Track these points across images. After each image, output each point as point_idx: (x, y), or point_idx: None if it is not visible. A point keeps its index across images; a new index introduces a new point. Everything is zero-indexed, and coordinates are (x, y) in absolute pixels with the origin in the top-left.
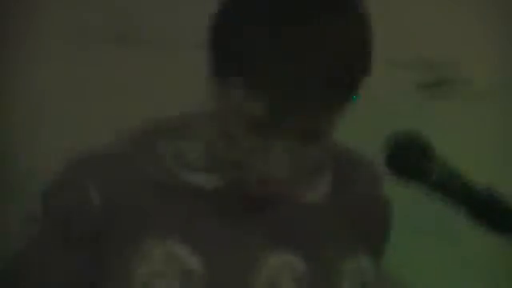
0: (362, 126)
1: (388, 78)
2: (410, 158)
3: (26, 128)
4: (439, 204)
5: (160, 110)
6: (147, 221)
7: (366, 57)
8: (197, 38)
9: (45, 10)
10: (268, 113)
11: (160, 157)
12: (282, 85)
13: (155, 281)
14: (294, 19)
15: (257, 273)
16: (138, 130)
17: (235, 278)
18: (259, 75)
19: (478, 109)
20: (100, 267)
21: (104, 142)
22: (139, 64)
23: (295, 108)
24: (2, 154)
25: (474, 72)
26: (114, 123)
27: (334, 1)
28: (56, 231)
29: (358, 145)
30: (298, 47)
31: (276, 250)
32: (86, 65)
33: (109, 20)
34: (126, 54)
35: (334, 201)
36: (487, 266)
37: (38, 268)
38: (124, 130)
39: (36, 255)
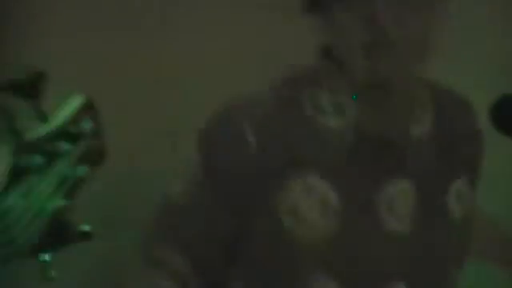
0: None
1: None
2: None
3: None
4: None
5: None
6: (292, 160)
7: None
8: None
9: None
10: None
11: (301, 106)
12: None
13: (298, 211)
14: None
15: (378, 200)
16: (280, 81)
17: (363, 208)
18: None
19: None
20: (246, 204)
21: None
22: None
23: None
24: None
25: None
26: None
27: None
28: (213, 178)
29: None
30: None
31: (393, 178)
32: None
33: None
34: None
35: (437, 134)
36: None
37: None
38: (270, 80)
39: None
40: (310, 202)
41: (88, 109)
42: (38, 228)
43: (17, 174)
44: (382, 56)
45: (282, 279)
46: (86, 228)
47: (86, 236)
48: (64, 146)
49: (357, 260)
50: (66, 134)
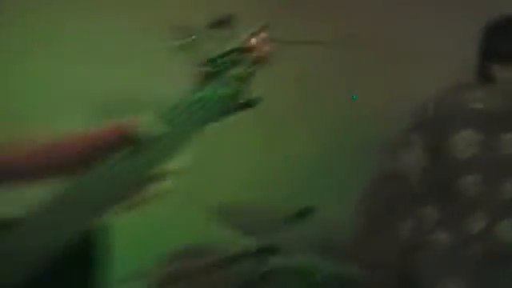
0: None
1: None
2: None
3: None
4: None
5: None
6: (456, 122)
7: None
8: None
9: None
10: None
11: (462, 97)
12: None
13: (458, 145)
14: None
15: (501, 139)
16: (455, 86)
17: (492, 142)
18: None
19: None
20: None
21: None
22: None
23: None
24: None
25: None
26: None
27: None
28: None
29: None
30: None
31: (508, 131)
32: None
33: None
34: None
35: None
36: None
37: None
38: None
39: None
40: (467, 141)
41: (262, 29)
42: (219, 105)
43: (210, 75)
44: None
45: (447, 184)
46: (255, 95)
47: (255, 101)
48: (239, 56)
49: (492, 163)
50: (241, 48)
